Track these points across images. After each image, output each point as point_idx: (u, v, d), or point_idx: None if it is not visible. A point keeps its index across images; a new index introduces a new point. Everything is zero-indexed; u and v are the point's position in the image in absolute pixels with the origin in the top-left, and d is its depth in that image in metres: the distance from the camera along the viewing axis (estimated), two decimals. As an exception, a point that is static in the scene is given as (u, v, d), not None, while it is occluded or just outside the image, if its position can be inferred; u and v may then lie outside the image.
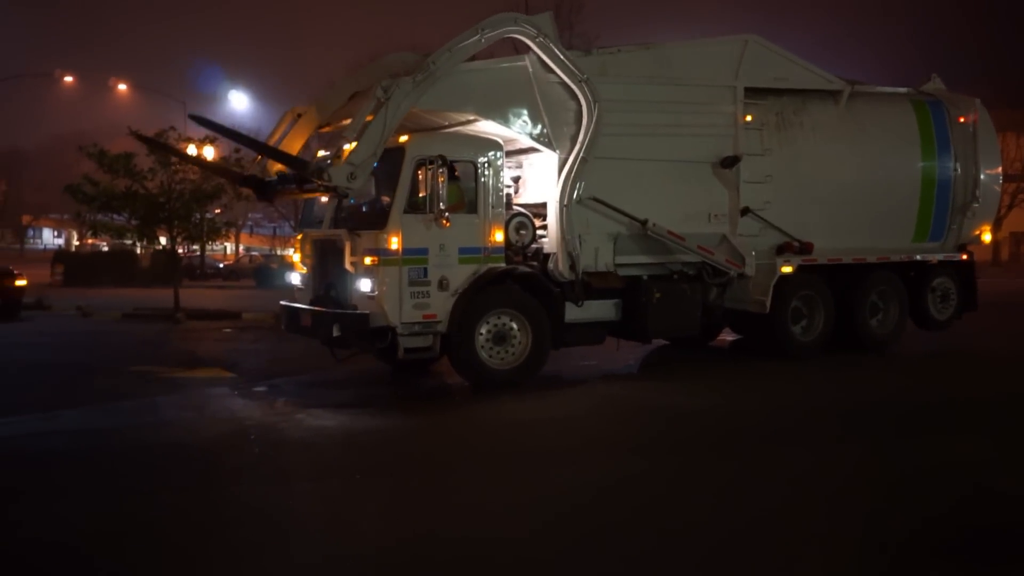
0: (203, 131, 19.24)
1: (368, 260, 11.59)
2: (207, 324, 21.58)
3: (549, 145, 12.51)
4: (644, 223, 12.94)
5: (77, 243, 63.60)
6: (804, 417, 10.67)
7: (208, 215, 25.20)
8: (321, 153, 13.41)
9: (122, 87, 56.36)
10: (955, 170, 15.77)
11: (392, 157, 11.66)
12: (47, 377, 13.68)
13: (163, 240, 31.86)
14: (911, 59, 52.48)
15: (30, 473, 8.41)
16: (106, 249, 52.38)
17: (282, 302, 13.29)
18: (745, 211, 13.98)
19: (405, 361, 12.19)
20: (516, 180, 13.16)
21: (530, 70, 12.38)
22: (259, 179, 12.90)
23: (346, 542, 6.55)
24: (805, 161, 14.57)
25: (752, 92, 14.05)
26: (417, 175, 11.62)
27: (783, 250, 14.30)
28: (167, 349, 17.04)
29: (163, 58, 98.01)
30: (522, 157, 13.13)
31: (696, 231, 13.54)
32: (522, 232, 12.54)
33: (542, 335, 12.31)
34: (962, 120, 15.82)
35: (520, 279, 12.30)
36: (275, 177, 12.66)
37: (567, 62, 12.38)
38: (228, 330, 20.12)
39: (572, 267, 12.52)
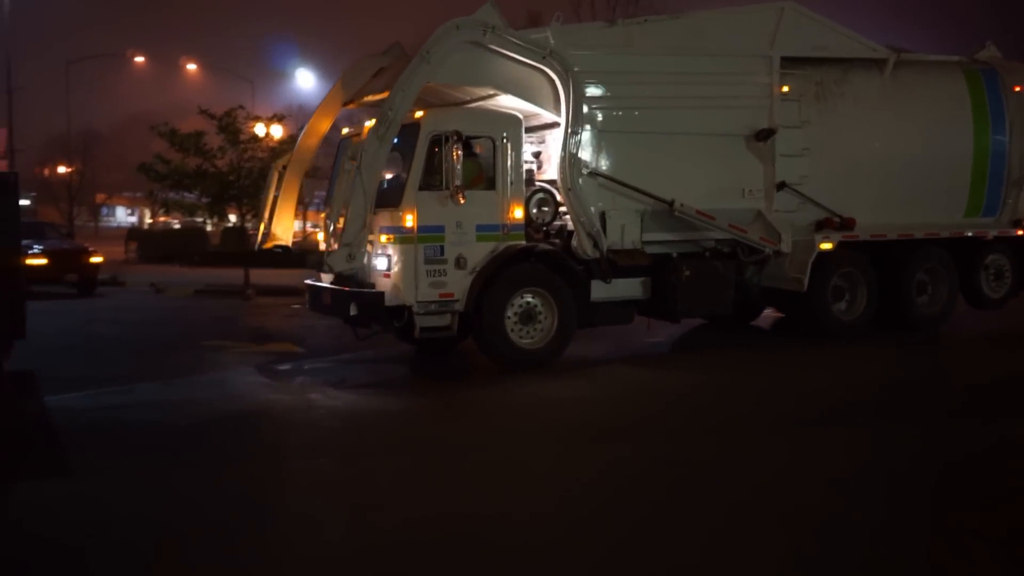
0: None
1: (384, 238, 11.44)
2: (276, 300, 21.77)
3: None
4: (671, 204, 12.52)
5: (150, 221, 64.94)
6: (797, 403, 10.17)
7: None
8: (345, 131, 13.33)
9: (191, 66, 57.35)
10: (1010, 141, 14.98)
11: (408, 133, 11.48)
12: (124, 351, 14.04)
13: (232, 217, 32.23)
14: (964, 27, 50.25)
15: (108, 445, 8.65)
16: (177, 227, 53.39)
17: (307, 281, 13.22)
18: (781, 186, 13.46)
19: (422, 340, 12.02)
20: (537, 156, 12.84)
21: (551, 41, 12.03)
22: (277, 253, 13.30)
23: (385, 517, 6.58)
24: (847, 133, 14.00)
25: (789, 62, 13.50)
26: (433, 151, 11.42)
27: (823, 226, 13.76)
28: (238, 325, 17.33)
29: (232, 36, 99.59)
30: (545, 132, 12.76)
31: (729, 207, 13.09)
32: (544, 209, 12.25)
33: (567, 314, 12.01)
34: (1018, 89, 15.00)
35: (541, 257, 12.01)
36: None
37: (523, 44, 11.83)
38: (296, 306, 20.19)
39: (595, 245, 12.18)
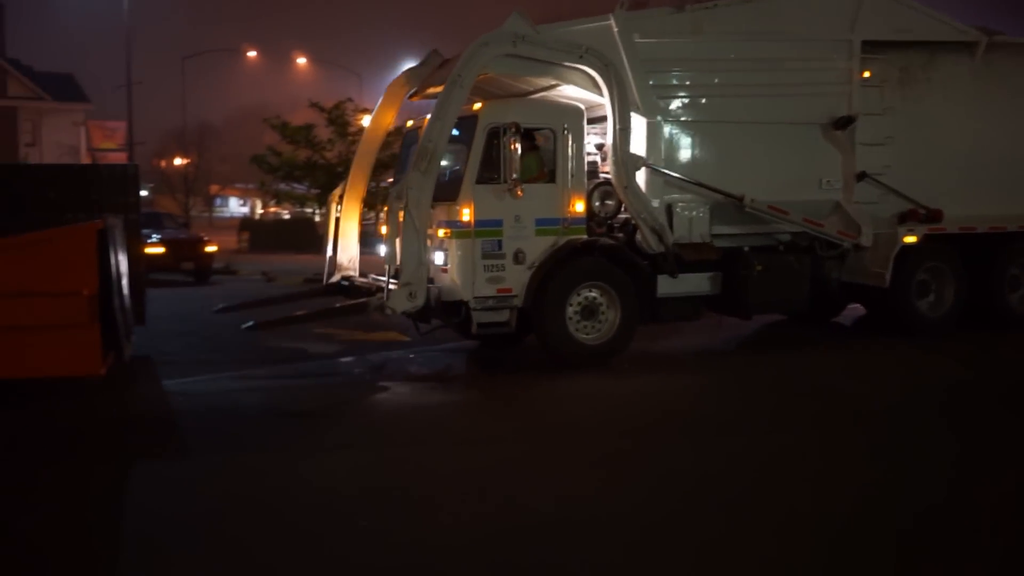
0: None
1: (441, 232, 11.26)
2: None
3: (637, 109, 11.77)
4: (741, 199, 12.04)
5: (261, 211, 66.20)
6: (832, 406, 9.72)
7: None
8: (409, 124, 13.19)
9: (301, 60, 58.26)
10: (1114, 128, 14.02)
11: (465, 125, 11.26)
12: (238, 338, 14.09)
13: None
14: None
15: (223, 428, 9.02)
16: (287, 217, 54.23)
17: (371, 276, 13.13)
18: (861, 176, 12.85)
19: (480, 336, 11.82)
20: (600, 148, 12.48)
21: (615, 29, 11.67)
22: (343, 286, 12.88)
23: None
24: (933, 120, 13.27)
25: (871, 46, 12.84)
26: (490, 143, 11.15)
27: (907, 218, 13.11)
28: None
29: (342, 28, 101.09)
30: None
31: (805, 198, 12.56)
32: (607, 202, 11.89)
33: (630, 309, 11.64)
34: (1124, 71, 14.04)
35: (603, 251, 11.67)
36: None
37: (557, 48, 11.40)
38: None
39: (660, 239, 11.77)
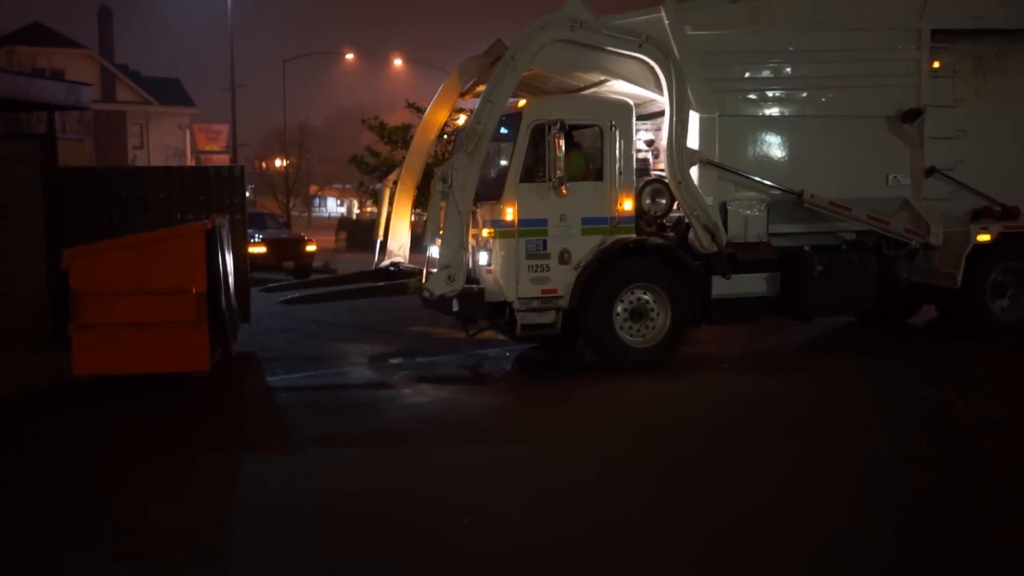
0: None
1: (486, 232, 11.09)
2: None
3: (689, 103, 11.36)
4: (800, 195, 11.57)
5: (358, 211, 66.87)
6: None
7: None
8: (461, 121, 13.03)
9: (398, 62, 58.82)
10: None
11: (510, 122, 11.07)
12: (337, 336, 14.55)
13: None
14: None
15: (325, 423, 9.35)
16: (383, 217, 54.70)
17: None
18: (931, 171, 12.25)
19: (524, 338, 11.60)
20: (651, 144, 12.13)
21: (666, 22, 11.32)
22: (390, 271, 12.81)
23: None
24: (1011, 112, 12.58)
25: (941, 34, 12.22)
26: (536, 141, 10.93)
27: (980, 215, 12.47)
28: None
29: (440, 28, 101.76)
30: (661, 120, 12.00)
31: (870, 195, 12.03)
32: (659, 200, 11.50)
33: (681, 311, 11.29)
34: None
35: (653, 251, 11.32)
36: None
37: (616, 35, 11.07)
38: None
39: (714, 239, 11.36)
